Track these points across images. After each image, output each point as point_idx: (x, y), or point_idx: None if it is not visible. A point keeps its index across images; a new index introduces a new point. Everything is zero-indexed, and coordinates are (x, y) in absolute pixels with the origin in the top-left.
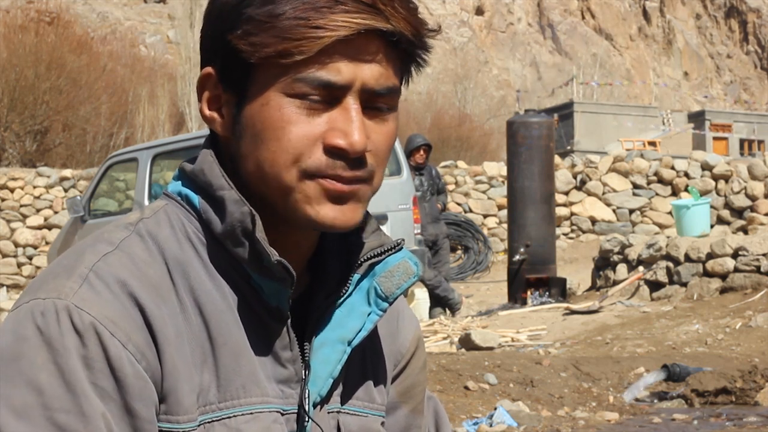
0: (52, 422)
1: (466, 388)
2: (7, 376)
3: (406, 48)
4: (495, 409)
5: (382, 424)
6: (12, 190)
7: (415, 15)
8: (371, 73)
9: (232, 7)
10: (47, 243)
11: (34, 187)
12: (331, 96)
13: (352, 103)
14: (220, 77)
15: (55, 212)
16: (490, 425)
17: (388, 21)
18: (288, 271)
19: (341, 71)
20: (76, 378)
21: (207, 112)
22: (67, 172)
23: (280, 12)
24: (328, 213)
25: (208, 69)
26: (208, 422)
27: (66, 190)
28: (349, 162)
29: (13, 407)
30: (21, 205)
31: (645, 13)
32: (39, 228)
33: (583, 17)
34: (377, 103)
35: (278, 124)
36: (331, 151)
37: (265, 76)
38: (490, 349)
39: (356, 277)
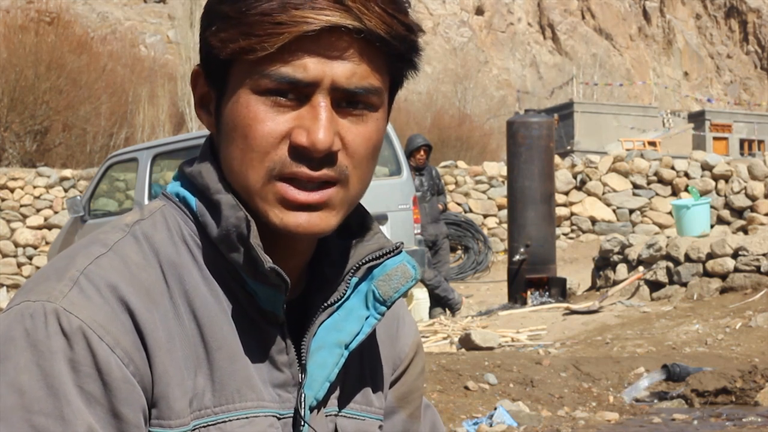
0: (31, 424)
1: (466, 388)
2: None
3: (383, 46)
4: (495, 409)
5: (380, 428)
6: (12, 190)
7: (395, 14)
8: (342, 70)
9: (212, 5)
10: (47, 243)
11: (34, 187)
12: (300, 94)
13: (320, 100)
14: (205, 75)
15: (55, 212)
16: (490, 425)
17: (359, 19)
18: (282, 278)
19: (308, 68)
20: (59, 381)
21: (198, 110)
22: (67, 172)
23: (247, 8)
24: (291, 220)
25: (196, 68)
26: (203, 426)
27: (66, 190)
28: (315, 162)
29: None
30: (21, 205)
31: (645, 13)
32: (39, 228)
33: (583, 17)
34: (353, 102)
35: (245, 122)
36: (296, 150)
37: (237, 73)
38: (490, 349)
39: (354, 280)
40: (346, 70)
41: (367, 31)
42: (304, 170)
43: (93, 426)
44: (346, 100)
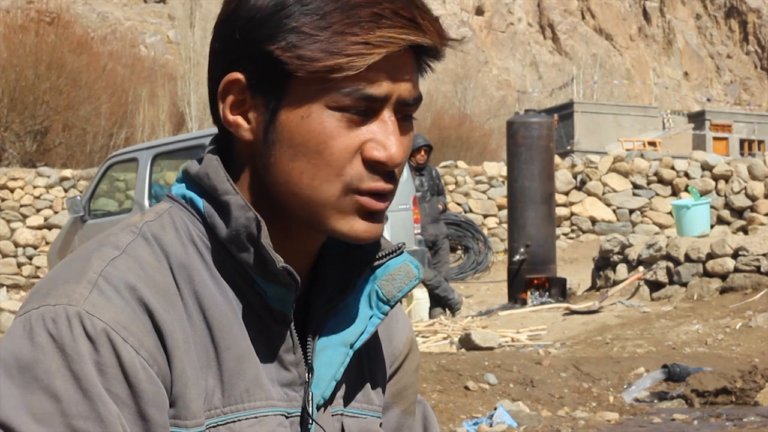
0: (71, 429)
1: (466, 388)
2: (24, 383)
3: (433, 58)
4: (495, 409)
5: (380, 425)
6: (12, 190)
7: (441, 26)
8: (406, 85)
9: (268, 15)
10: (47, 243)
11: (34, 187)
12: (368, 108)
13: (389, 116)
14: (249, 83)
15: (55, 212)
16: (490, 425)
17: (426, 35)
18: (293, 277)
19: (382, 86)
20: (91, 384)
21: (231, 117)
22: (67, 172)
23: (327, 25)
24: (361, 227)
25: (237, 75)
26: (213, 427)
27: (66, 190)
28: (386, 175)
29: (33, 414)
30: (21, 205)
31: (645, 13)
32: (39, 228)
33: (583, 17)
34: (406, 113)
35: (321, 138)
36: (370, 164)
37: (306, 87)
38: (490, 349)
39: (358, 280)
40: (408, 85)
41: (433, 48)
42: (381, 184)
43: (125, 427)
44: (402, 113)
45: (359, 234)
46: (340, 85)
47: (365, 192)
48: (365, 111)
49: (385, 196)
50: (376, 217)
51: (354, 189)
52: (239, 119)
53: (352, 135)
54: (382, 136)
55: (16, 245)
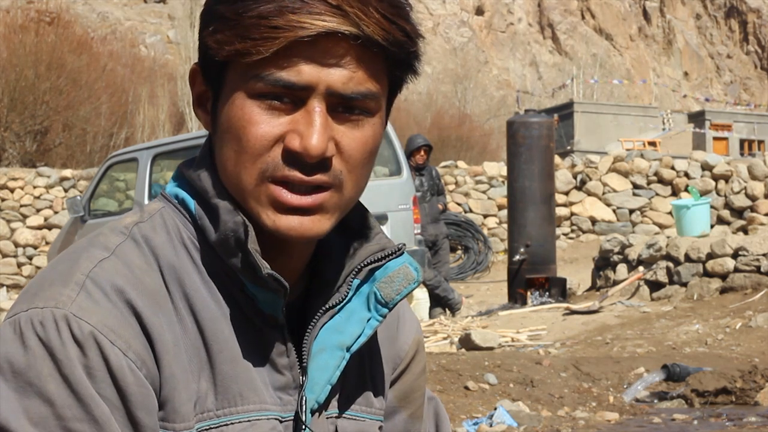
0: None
1: (466, 388)
2: (19, 388)
3: (381, 52)
4: (495, 409)
5: (380, 428)
6: (12, 190)
7: (395, 19)
8: (338, 76)
9: (210, 5)
10: (47, 243)
11: (34, 187)
12: (295, 97)
13: (315, 105)
14: (202, 74)
15: (55, 212)
16: (490, 425)
17: (356, 24)
18: (280, 283)
19: (302, 72)
20: (83, 386)
21: (196, 109)
22: (67, 172)
23: (244, 11)
24: (283, 223)
25: (194, 66)
26: (206, 429)
27: (66, 190)
28: (308, 167)
29: (30, 419)
30: (21, 205)
31: (645, 13)
32: (39, 228)
33: (583, 17)
34: (349, 107)
35: (240, 124)
36: (289, 154)
37: (232, 75)
38: (490, 349)
39: (356, 282)
40: (342, 75)
41: (365, 37)
42: (297, 174)
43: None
44: (342, 105)
45: (281, 230)
46: (256, 71)
47: (278, 180)
48: (293, 100)
49: (308, 190)
50: (301, 212)
51: (268, 177)
52: (201, 111)
53: (274, 123)
54: (303, 126)
55: (16, 245)
